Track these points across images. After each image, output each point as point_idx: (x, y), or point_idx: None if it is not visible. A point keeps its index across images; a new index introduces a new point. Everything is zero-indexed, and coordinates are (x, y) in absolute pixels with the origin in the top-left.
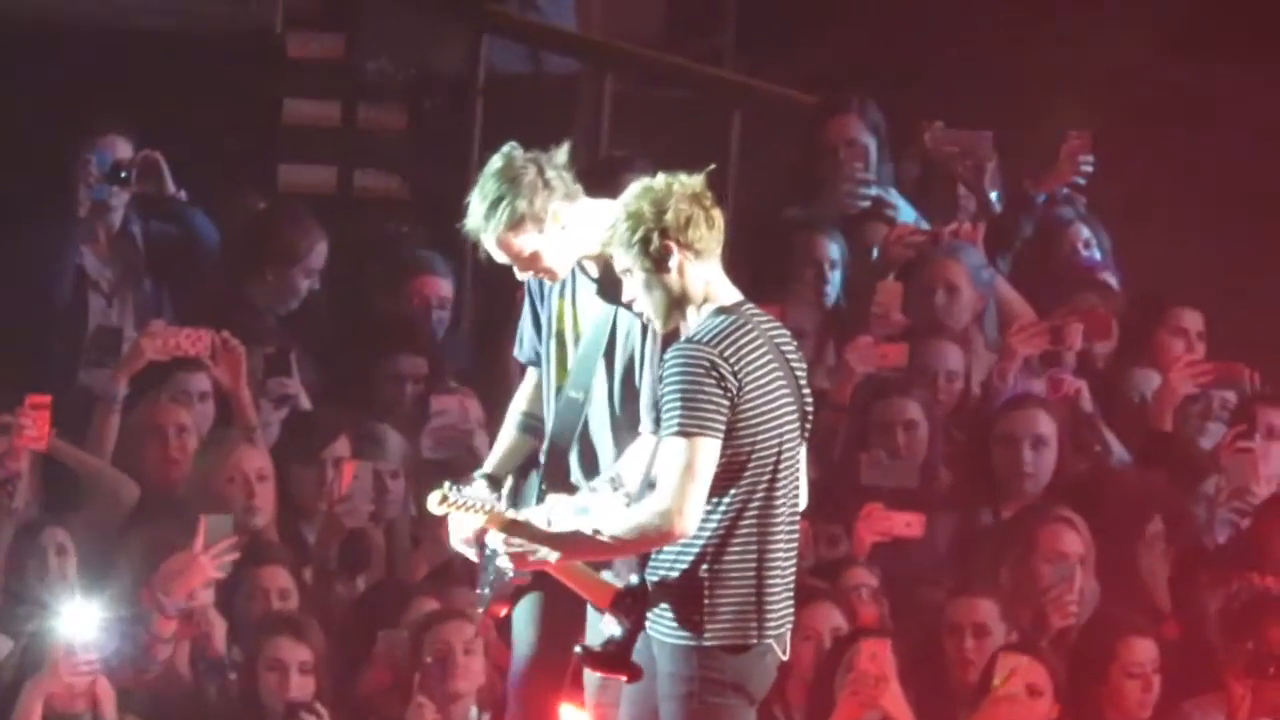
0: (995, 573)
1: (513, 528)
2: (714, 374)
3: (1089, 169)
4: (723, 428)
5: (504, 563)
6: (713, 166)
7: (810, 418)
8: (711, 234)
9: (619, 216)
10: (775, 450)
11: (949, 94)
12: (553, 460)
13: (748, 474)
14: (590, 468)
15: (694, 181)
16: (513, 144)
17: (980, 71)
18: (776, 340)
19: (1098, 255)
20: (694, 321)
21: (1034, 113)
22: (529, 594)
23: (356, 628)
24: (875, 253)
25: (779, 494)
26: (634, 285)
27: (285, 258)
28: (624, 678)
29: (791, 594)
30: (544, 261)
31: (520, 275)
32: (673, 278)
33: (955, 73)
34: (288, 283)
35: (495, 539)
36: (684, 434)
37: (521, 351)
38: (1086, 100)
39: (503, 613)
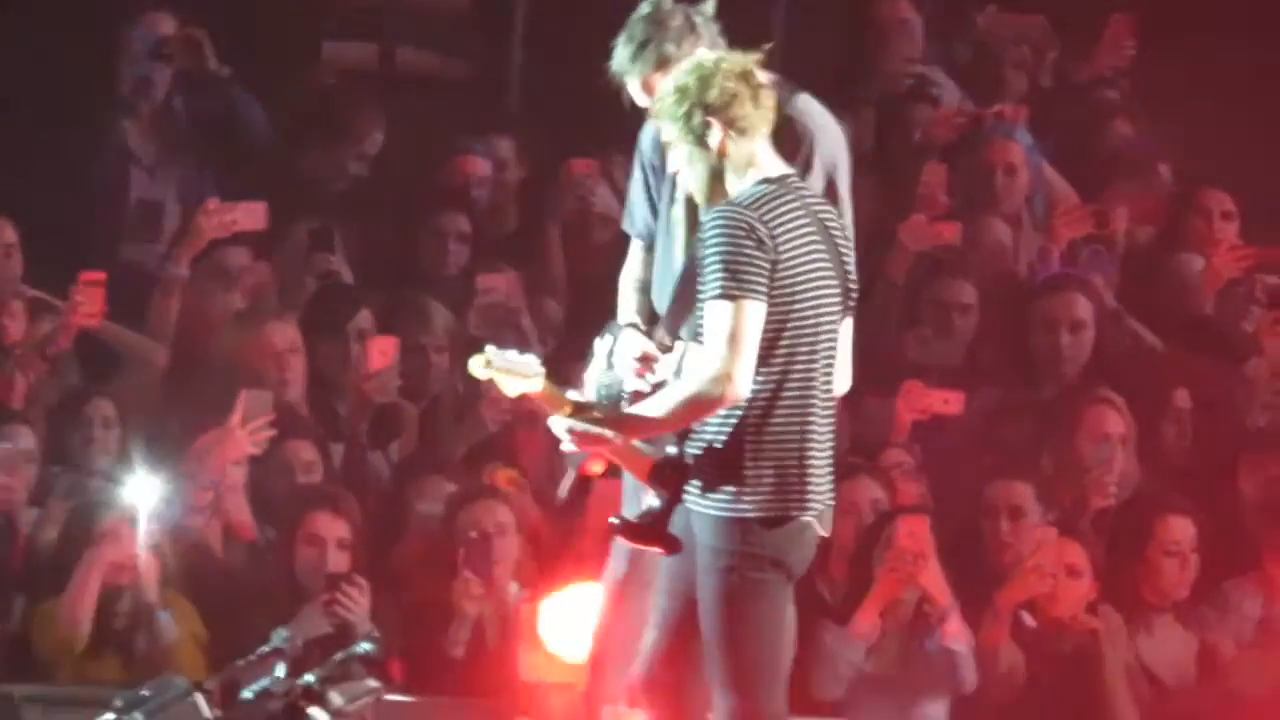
0: (1036, 454)
1: (571, 410)
2: (753, 236)
3: (1132, 53)
4: (765, 290)
5: (567, 446)
6: (768, 46)
7: (854, 295)
8: (757, 112)
9: (666, 89)
10: (814, 320)
11: None
12: (668, 332)
13: (785, 341)
14: None
15: (743, 59)
16: None
17: None
18: (821, 215)
19: (1140, 139)
20: (735, 189)
21: None
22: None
23: (391, 501)
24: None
25: (818, 366)
26: (679, 157)
27: (342, 137)
28: (660, 550)
29: (832, 470)
30: None
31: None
32: (714, 153)
33: None
34: (338, 162)
35: (558, 423)
36: (728, 297)
37: (632, 225)
38: None
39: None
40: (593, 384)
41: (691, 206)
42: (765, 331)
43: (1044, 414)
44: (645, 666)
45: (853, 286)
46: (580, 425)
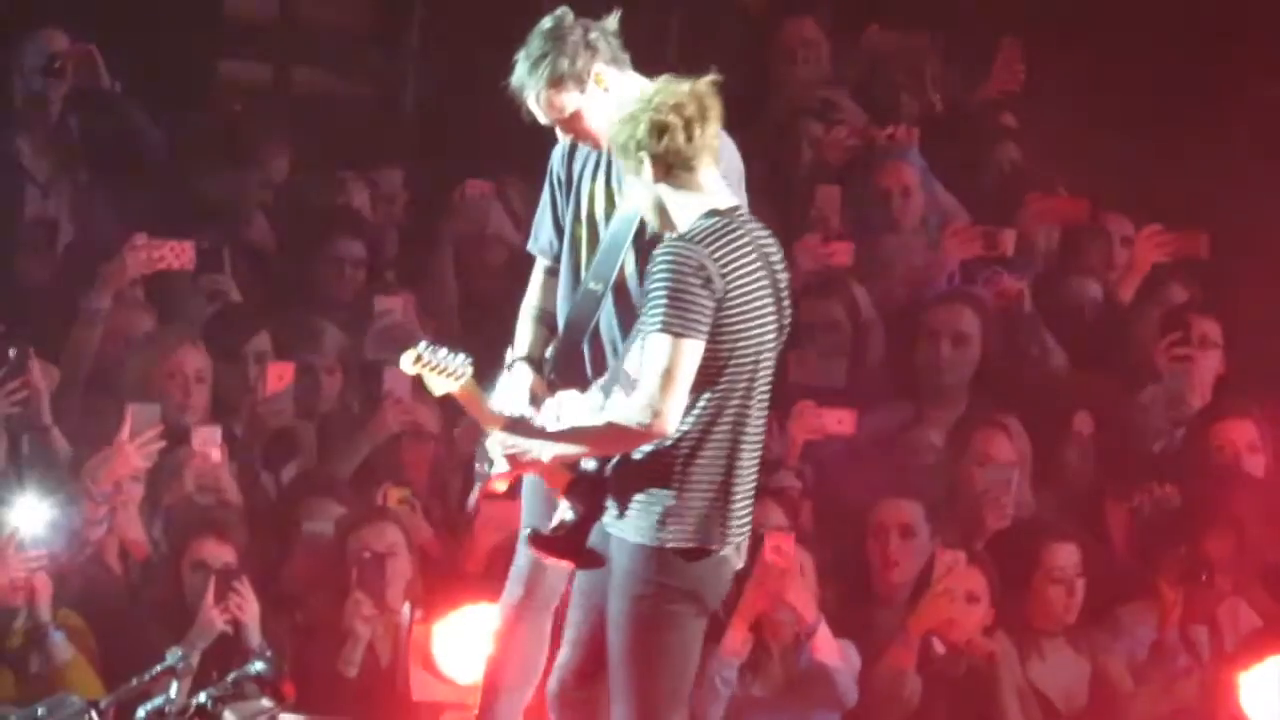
0: (927, 474)
1: (498, 424)
2: (701, 274)
3: (1022, 76)
4: (707, 329)
5: (499, 464)
6: (714, 75)
7: (787, 329)
8: (690, 145)
9: (617, 117)
10: (754, 357)
11: None
12: (564, 354)
13: (724, 378)
14: (601, 364)
15: (679, 90)
16: (565, 8)
17: None
18: (764, 248)
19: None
20: (684, 221)
21: (971, 16)
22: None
23: (281, 521)
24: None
25: (754, 401)
26: (629, 184)
27: (245, 165)
28: (571, 564)
29: (752, 501)
30: (585, 123)
31: (563, 137)
32: (650, 183)
33: None
34: (241, 188)
35: (492, 440)
36: (667, 332)
37: (536, 243)
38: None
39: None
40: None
41: (592, 226)
42: (705, 367)
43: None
44: (558, 681)
45: (787, 320)
46: (513, 443)
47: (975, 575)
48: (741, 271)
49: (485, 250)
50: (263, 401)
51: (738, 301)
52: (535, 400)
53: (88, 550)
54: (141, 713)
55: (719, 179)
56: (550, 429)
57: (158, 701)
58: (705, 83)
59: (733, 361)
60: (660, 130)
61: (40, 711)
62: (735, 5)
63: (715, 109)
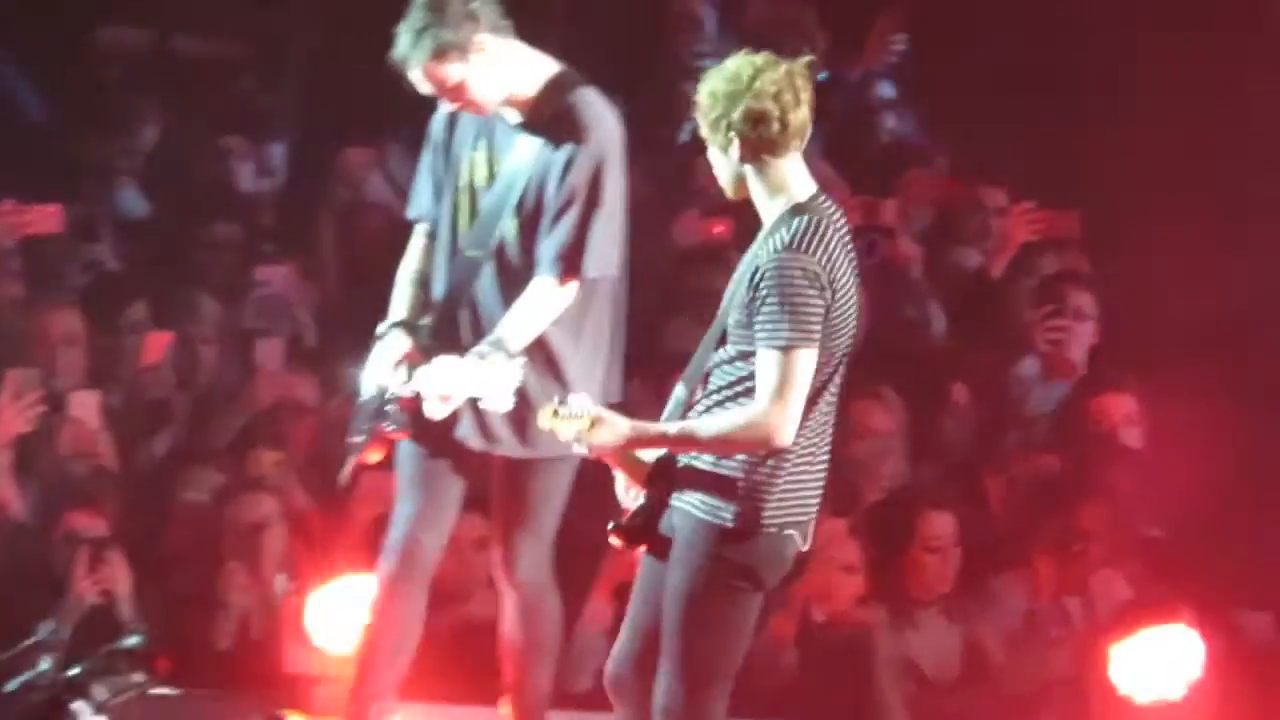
0: None
1: (625, 431)
2: (816, 284)
3: (901, 48)
4: (820, 333)
5: (579, 448)
6: (810, 57)
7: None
8: (785, 133)
9: (705, 84)
10: (844, 347)
11: None
12: (442, 320)
13: (821, 373)
14: (479, 330)
15: (778, 75)
16: None
17: None
18: (844, 236)
19: (912, 133)
20: (768, 212)
21: None
22: None
23: (157, 490)
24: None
25: (833, 387)
26: (710, 150)
27: (117, 129)
28: (649, 550)
29: (822, 483)
30: (470, 93)
31: (447, 107)
32: (736, 162)
33: None
34: (111, 154)
35: (567, 425)
36: (791, 346)
37: (415, 207)
38: None
39: (375, 458)
40: (368, 381)
41: (472, 194)
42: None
43: None
44: (616, 666)
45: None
46: (601, 435)
47: (852, 546)
48: (840, 269)
49: (365, 218)
50: (141, 371)
51: (840, 300)
52: (411, 365)
53: None
54: (11, 686)
55: (800, 161)
56: (668, 431)
57: (27, 675)
58: (801, 65)
59: (831, 358)
60: (758, 118)
61: None
62: None
63: (808, 94)
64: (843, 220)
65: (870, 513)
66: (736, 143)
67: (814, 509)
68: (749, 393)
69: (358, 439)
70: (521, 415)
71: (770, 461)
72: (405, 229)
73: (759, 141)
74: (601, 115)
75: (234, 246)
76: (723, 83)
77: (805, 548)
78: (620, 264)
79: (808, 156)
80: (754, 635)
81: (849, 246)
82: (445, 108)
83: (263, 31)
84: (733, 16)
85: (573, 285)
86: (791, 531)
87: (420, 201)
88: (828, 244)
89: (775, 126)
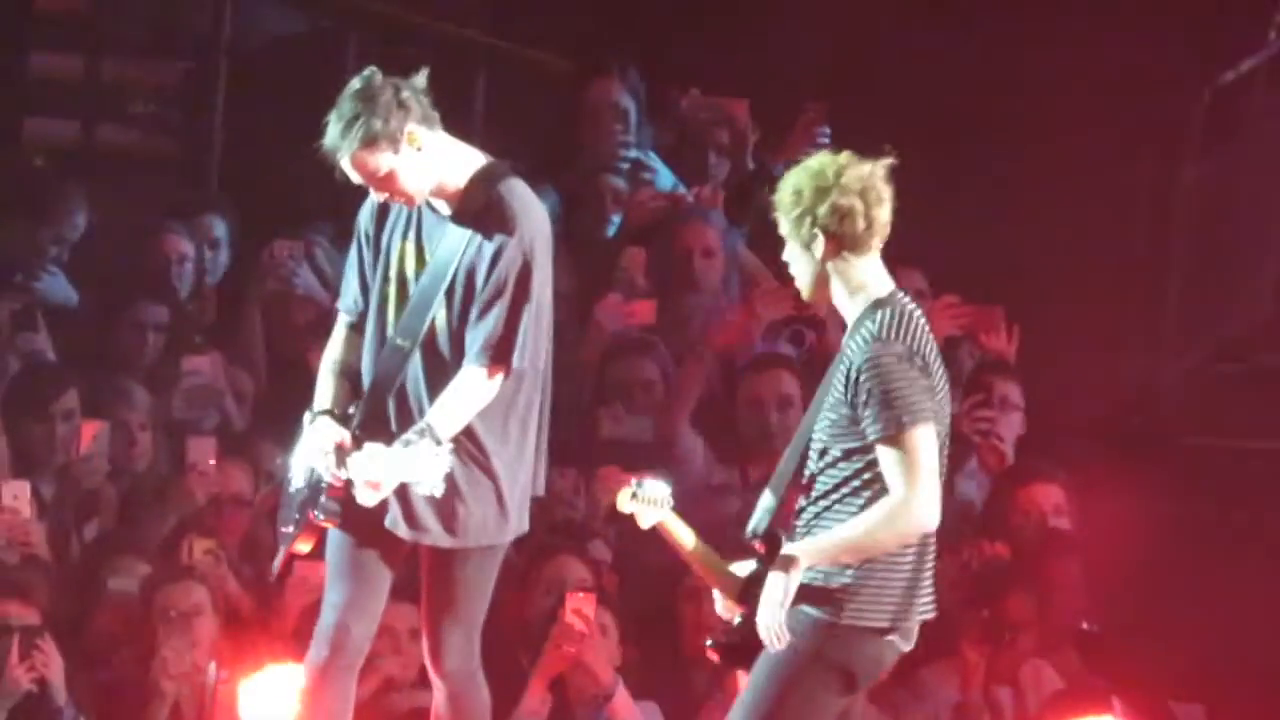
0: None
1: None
2: (914, 361)
3: (825, 140)
4: (931, 409)
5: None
6: (891, 160)
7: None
8: (870, 229)
9: (786, 181)
10: (943, 435)
11: (701, 61)
12: (370, 409)
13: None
14: (407, 418)
15: (864, 173)
16: (373, 68)
17: (730, 39)
18: (925, 326)
19: None
20: (847, 310)
21: (779, 82)
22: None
23: (86, 578)
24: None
25: (940, 478)
26: (789, 249)
27: (42, 220)
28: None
29: (933, 584)
30: (399, 183)
31: (375, 198)
32: (818, 260)
33: (708, 40)
34: (36, 244)
35: (647, 511)
36: (907, 426)
37: (344, 300)
38: (828, 70)
39: (305, 548)
40: (298, 471)
41: (401, 284)
42: None
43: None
44: None
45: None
46: (779, 596)
47: None
48: (931, 355)
49: (293, 309)
50: (75, 460)
51: (936, 383)
52: (341, 453)
53: None
54: None
55: (879, 260)
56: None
57: None
58: (884, 165)
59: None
60: (844, 213)
61: None
62: (541, 65)
63: (889, 192)
64: (921, 315)
65: None
66: (821, 239)
67: (929, 611)
68: (856, 492)
69: (288, 529)
70: (449, 505)
71: (890, 561)
72: (334, 320)
73: (843, 238)
74: (529, 206)
75: (159, 341)
76: (808, 178)
77: (908, 649)
78: (547, 355)
79: (732, 243)
80: None
81: (931, 337)
82: (374, 198)
83: (187, 126)
84: (657, 108)
85: (500, 376)
86: (896, 637)
87: (347, 294)
88: (913, 332)
89: (861, 223)
